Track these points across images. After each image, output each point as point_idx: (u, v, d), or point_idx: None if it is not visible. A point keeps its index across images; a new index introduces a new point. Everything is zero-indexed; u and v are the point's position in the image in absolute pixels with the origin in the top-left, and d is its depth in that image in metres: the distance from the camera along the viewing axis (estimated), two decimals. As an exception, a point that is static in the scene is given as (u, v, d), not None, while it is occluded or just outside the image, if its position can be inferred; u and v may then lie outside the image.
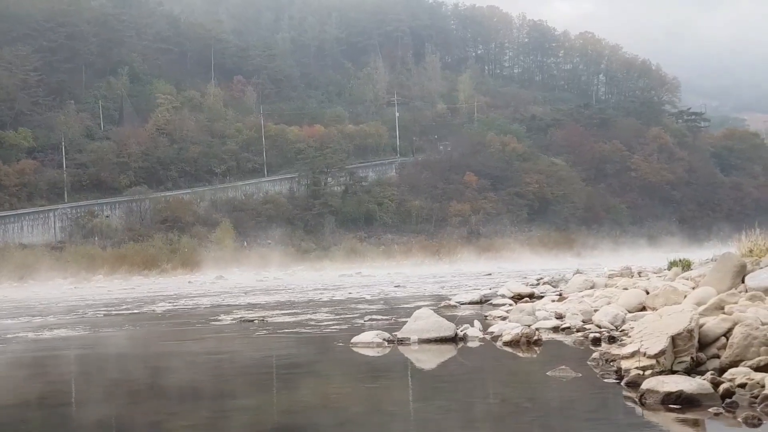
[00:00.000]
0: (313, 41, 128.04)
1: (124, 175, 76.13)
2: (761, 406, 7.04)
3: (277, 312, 21.09)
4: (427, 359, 11.82)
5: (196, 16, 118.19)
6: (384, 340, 12.95)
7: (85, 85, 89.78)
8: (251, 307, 23.88)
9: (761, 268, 12.31)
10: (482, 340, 12.98)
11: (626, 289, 16.62)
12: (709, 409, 7.17)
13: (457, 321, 14.10)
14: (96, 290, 42.27)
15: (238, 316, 20.14)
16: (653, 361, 8.39)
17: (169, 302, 28.31)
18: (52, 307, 27.63)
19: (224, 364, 12.03)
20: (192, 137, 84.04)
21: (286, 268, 63.52)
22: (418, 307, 15.33)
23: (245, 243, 73.55)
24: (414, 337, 12.97)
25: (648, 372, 8.31)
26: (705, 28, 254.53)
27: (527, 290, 22.02)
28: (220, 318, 19.73)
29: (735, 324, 8.85)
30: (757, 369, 7.92)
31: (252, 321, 18.55)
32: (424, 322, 13.33)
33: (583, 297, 17.52)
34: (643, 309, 13.92)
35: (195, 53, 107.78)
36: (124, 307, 26.62)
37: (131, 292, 38.43)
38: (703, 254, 28.95)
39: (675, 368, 8.43)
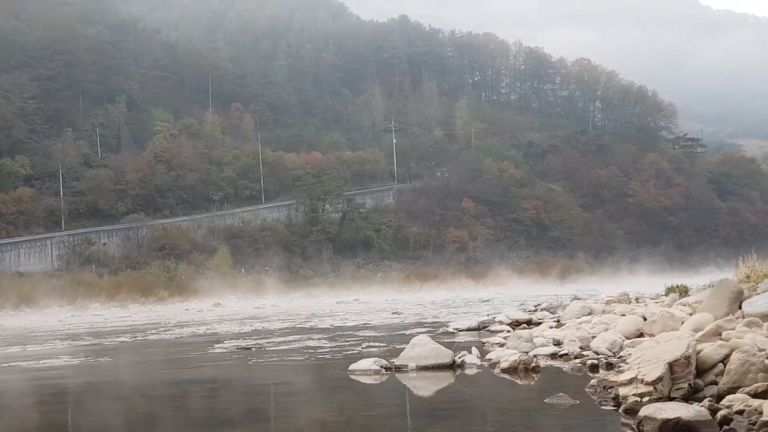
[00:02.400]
0: (311, 68, 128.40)
1: (122, 202, 75.98)
2: (759, 433, 7.03)
3: (275, 339, 21.05)
4: (425, 386, 11.80)
5: (194, 43, 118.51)
6: (381, 367, 12.93)
7: (83, 113, 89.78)
8: (248, 334, 23.83)
9: (758, 293, 12.30)
10: (480, 366, 12.95)
11: (624, 315, 16.61)
12: (707, 437, 7.16)
13: (455, 348, 14.07)
14: (93, 318, 42.15)
15: (235, 343, 20.09)
16: (651, 388, 8.38)
17: (166, 330, 28.24)
18: (48, 336, 27.56)
19: (221, 392, 11.99)
20: (189, 164, 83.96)
21: (283, 295, 63.42)
22: (416, 334, 15.32)
23: (243, 270, 73.36)
24: (412, 364, 12.94)
25: (646, 399, 8.30)
26: (701, 54, 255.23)
27: (525, 317, 21.97)
28: (217, 345, 19.68)
29: (732, 350, 8.84)
30: (755, 395, 7.90)
31: (249, 348, 18.51)
32: (421, 349, 13.31)
33: (580, 323, 17.49)
34: (641, 335, 13.91)
35: (192, 81, 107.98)
36: (120, 335, 26.55)
37: (128, 320, 38.34)
38: (700, 280, 28.93)
39: (673, 395, 8.42)
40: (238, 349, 18.58)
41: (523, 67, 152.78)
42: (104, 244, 72.50)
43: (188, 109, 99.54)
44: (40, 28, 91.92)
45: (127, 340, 23.91)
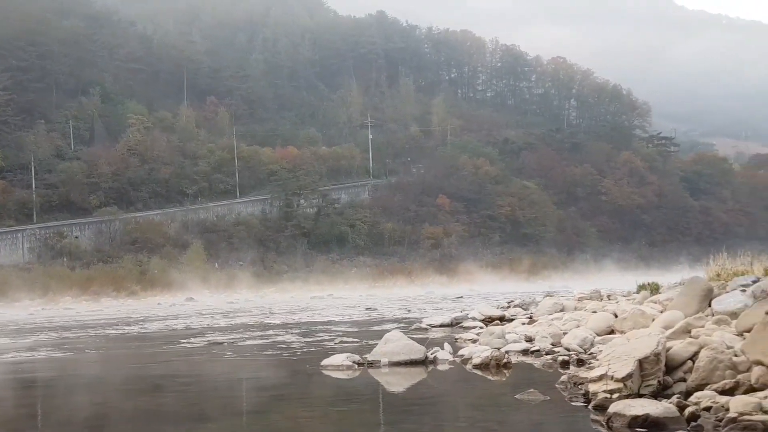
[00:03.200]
0: (287, 63, 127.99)
1: (94, 195, 75.36)
2: (726, 429, 7.10)
3: (248, 334, 21.01)
4: (397, 382, 11.81)
5: (169, 36, 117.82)
6: (354, 362, 12.94)
7: (56, 105, 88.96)
8: (221, 329, 23.77)
9: (728, 292, 12.43)
10: (452, 363, 13.00)
11: (595, 312, 16.72)
12: (675, 433, 7.23)
13: (428, 344, 14.11)
14: (64, 312, 41.90)
15: (208, 338, 20.04)
16: (621, 385, 8.44)
17: (138, 324, 28.11)
18: (19, 329, 27.35)
19: (193, 387, 11.95)
20: (163, 158, 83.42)
21: (257, 290, 63.26)
22: (389, 330, 15.33)
23: (216, 265, 73.04)
24: (384, 360, 12.96)
25: (615, 395, 8.36)
26: (676, 54, 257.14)
27: (498, 313, 22.06)
28: (189, 340, 19.62)
29: (701, 348, 8.93)
30: (723, 392, 7.98)
31: (222, 343, 18.47)
32: (394, 345, 13.32)
33: (552, 320, 17.60)
34: (612, 332, 14.00)
35: (167, 74, 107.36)
36: (92, 329, 26.40)
37: (100, 314, 38.12)
38: (672, 278, 29.13)
39: (642, 392, 8.48)
40: (210, 344, 18.53)
41: (499, 64, 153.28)
42: (76, 238, 71.97)
43: (163, 102, 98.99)
44: (14, 19, 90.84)
45: (98, 334, 23.78)
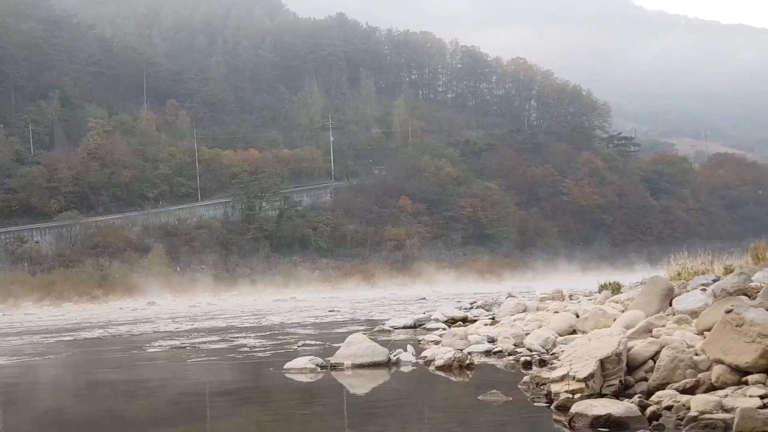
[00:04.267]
0: (248, 65, 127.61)
1: (55, 200, 74.62)
2: (687, 428, 7.16)
3: (210, 338, 20.89)
4: (360, 384, 11.80)
5: (129, 39, 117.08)
6: (317, 365, 12.92)
7: (15, 109, 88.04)
8: (184, 333, 23.61)
9: (688, 291, 12.54)
10: (415, 364, 13.01)
11: (557, 312, 16.80)
12: (637, 432, 7.28)
13: (390, 346, 14.11)
14: (25, 317, 41.36)
15: (170, 342, 19.89)
16: (582, 385, 8.48)
17: (100, 329, 27.84)
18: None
19: (156, 391, 11.85)
20: (124, 161, 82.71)
21: (219, 293, 62.94)
22: (352, 332, 15.32)
23: (178, 268, 72.57)
24: (347, 362, 12.94)
25: (577, 395, 8.39)
26: (635, 54, 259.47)
27: (460, 314, 22.10)
28: (151, 345, 19.46)
29: (662, 347, 8.99)
30: (683, 391, 8.05)
31: (184, 347, 18.34)
32: (357, 347, 13.31)
33: (515, 321, 17.67)
34: (574, 332, 14.07)
35: (127, 77, 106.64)
36: (53, 334, 26.11)
37: (61, 319, 37.69)
38: (633, 277, 29.35)
39: (604, 391, 8.53)
40: (172, 348, 18.40)
41: (459, 65, 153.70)
42: (37, 242, 71.17)
43: (123, 105, 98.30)
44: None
45: (59, 339, 23.52)
